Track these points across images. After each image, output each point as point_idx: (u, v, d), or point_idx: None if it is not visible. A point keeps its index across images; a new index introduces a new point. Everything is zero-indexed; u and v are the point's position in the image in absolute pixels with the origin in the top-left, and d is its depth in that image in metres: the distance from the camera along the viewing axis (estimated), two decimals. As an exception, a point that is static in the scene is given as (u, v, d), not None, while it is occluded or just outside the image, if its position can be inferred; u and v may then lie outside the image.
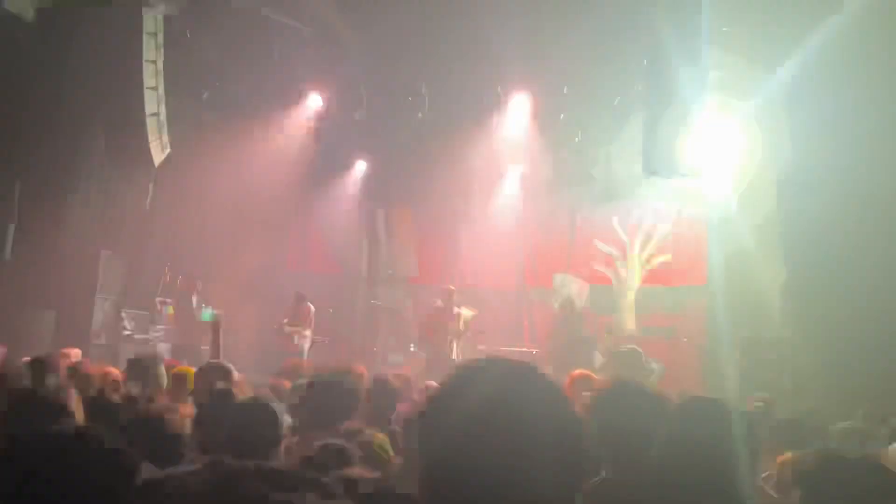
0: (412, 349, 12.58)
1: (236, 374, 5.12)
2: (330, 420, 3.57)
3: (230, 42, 11.47)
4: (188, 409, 4.33)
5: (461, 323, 11.67)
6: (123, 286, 11.82)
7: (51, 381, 4.96)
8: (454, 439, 1.29)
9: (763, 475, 4.44)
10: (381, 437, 3.61)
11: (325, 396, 3.73)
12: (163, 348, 11.49)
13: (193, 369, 5.70)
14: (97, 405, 3.54)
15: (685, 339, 10.93)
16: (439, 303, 11.75)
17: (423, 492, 1.33)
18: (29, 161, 10.77)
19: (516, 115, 12.79)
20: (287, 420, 3.63)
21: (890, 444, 5.25)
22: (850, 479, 2.50)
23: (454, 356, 11.53)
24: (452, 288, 11.83)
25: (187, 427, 3.32)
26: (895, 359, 9.20)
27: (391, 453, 3.59)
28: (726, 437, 2.18)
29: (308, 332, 12.05)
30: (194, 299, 12.23)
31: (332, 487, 0.91)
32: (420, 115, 12.60)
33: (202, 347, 11.41)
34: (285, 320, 12.00)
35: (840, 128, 9.61)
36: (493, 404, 1.30)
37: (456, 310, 11.68)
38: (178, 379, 5.45)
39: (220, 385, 4.14)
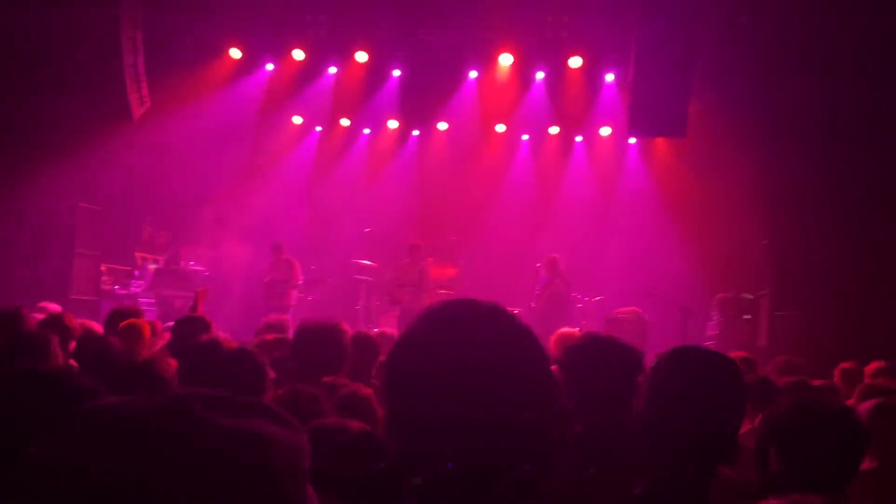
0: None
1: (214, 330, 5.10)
2: (316, 372, 3.54)
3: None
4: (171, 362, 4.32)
5: (426, 276, 11.71)
6: (103, 241, 11.69)
7: (21, 331, 4.91)
8: (419, 383, 1.26)
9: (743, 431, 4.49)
10: (365, 392, 3.60)
11: (312, 348, 3.70)
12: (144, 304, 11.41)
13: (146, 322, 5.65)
14: (80, 353, 3.50)
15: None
16: (406, 259, 11.80)
17: (390, 439, 1.30)
18: (4, 113, 10.56)
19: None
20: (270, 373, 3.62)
21: (862, 400, 5.33)
22: (823, 431, 2.51)
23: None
24: (417, 242, 11.83)
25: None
26: (873, 318, 9.34)
27: (375, 408, 3.59)
28: (717, 384, 2.17)
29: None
30: (181, 259, 12.12)
31: (289, 418, 0.88)
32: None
33: (181, 303, 11.35)
34: (268, 278, 11.94)
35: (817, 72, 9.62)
36: (458, 344, 1.27)
37: (423, 263, 11.71)
38: (132, 329, 5.38)
39: (202, 336, 4.10)
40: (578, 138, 14.17)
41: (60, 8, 9.96)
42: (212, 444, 0.80)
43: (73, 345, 4.94)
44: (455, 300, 1.37)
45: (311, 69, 12.96)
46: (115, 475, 0.77)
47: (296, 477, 0.86)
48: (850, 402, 5.39)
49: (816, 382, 5.59)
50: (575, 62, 12.16)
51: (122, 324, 5.57)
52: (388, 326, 11.22)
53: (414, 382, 1.27)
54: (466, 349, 1.26)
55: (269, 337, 5.57)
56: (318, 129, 14.46)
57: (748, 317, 11.14)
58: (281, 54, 12.75)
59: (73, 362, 4.33)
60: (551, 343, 6.22)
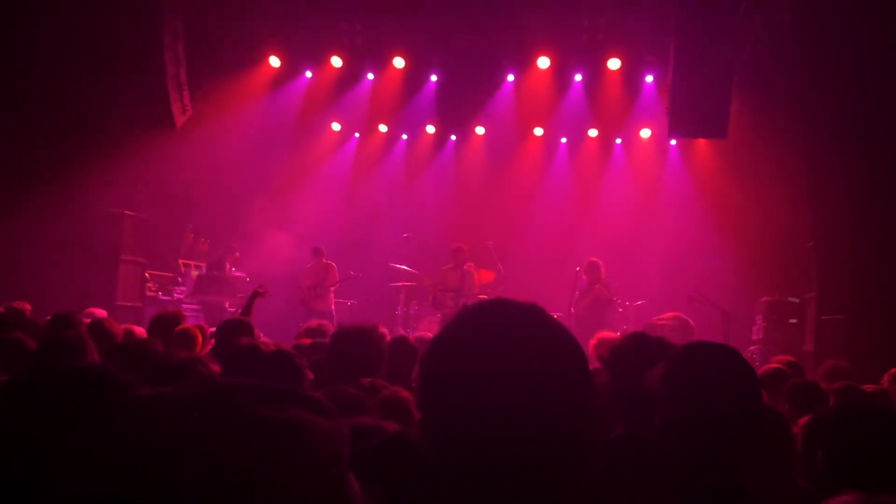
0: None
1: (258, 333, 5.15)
2: (353, 373, 3.55)
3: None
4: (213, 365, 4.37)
5: (469, 282, 11.69)
6: (147, 248, 11.92)
7: (70, 334, 5.03)
8: (454, 382, 1.24)
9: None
10: (405, 395, 3.59)
11: (349, 349, 3.71)
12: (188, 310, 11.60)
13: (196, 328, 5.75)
14: (119, 353, 3.56)
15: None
16: (450, 264, 11.80)
17: (424, 432, 1.29)
18: (51, 124, 10.84)
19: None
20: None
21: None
22: (873, 433, 2.43)
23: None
24: (460, 246, 11.83)
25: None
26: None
27: (413, 411, 3.58)
28: (726, 377, 2.12)
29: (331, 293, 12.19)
30: (228, 267, 12.29)
31: (328, 407, 0.87)
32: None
33: (229, 309, 11.51)
34: (308, 282, 12.06)
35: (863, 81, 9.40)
36: (493, 343, 1.24)
37: (466, 268, 11.70)
38: (185, 336, 5.47)
39: (242, 340, 4.14)
40: (618, 140, 14.05)
41: (104, 22, 10.20)
42: (253, 433, 0.81)
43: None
44: (490, 300, 1.34)
45: (349, 76, 13.07)
46: (157, 464, 0.78)
47: (337, 464, 0.86)
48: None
49: (868, 388, 5.45)
50: (613, 64, 12.06)
51: (177, 329, 5.66)
52: (427, 331, 11.25)
53: (448, 382, 1.25)
54: (502, 348, 1.24)
55: (307, 341, 5.62)
56: (357, 135, 14.56)
57: (794, 321, 10.91)
58: (319, 62, 12.88)
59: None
60: (591, 347, 6.16)
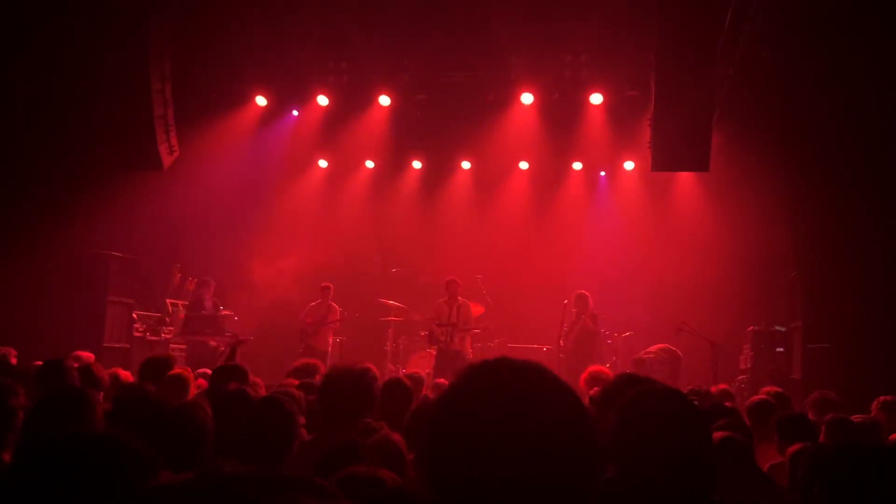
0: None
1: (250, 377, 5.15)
2: (345, 416, 3.56)
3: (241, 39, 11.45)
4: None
5: (464, 315, 11.70)
6: (134, 288, 11.88)
7: (65, 383, 5.00)
8: (464, 441, 1.29)
9: (773, 464, 4.43)
10: (396, 438, 3.60)
11: (342, 391, 3.72)
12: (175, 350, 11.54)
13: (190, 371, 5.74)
14: (120, 404, 3.56)
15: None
16: (444, 297, 11.83)
17: (436, 490, 1.32)
18: (37, 166, 10.85)
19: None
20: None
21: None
22: (871, 470, 2.48)
23: (463, 351, 11.60)
24: (454, 279, 11.85)
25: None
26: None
27: (405, 454, 3.59)
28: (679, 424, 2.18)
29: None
30: (208, 301, 12.25)
31: (331, 490, 0.91)
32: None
33: (215, 348, 11.45)
34: (309, 320, 12.08)
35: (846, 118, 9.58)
36: (502, 405, 1.29)
37: (460, 301, 11.73)
38: (177, 381, 5.45)
39: (231, 385, 4.14)
40: (602, 173, 14.21)
41: (91, 64, 10.28)
42: None
43: (101, 395, 5.01)
44: (495, 360, 1.39)
45: (335, 113, 13.17)
46: None
47: None
48: (894, 436, 5.29)
49: (856, 418, 5.50)
50: (596, 99, 12.24)
51: (168, 374, 5.64)
52: (416, 367, 11.23)
53: (458, 444, 1.29)
54: (511, 410, 1.29)
55: (295, 382, 5.61)
56: (344, 171, 14.65)
57: (781, 349, 10.98)
58: (305, 100, 12.99)
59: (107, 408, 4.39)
60: (581, 381, 6.19)
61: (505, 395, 1.31)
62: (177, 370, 5.82)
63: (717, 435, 3.54)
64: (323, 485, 0.93)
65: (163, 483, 0.90)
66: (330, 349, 12.12)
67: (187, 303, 12.69)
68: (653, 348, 11.08)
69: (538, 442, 1.27)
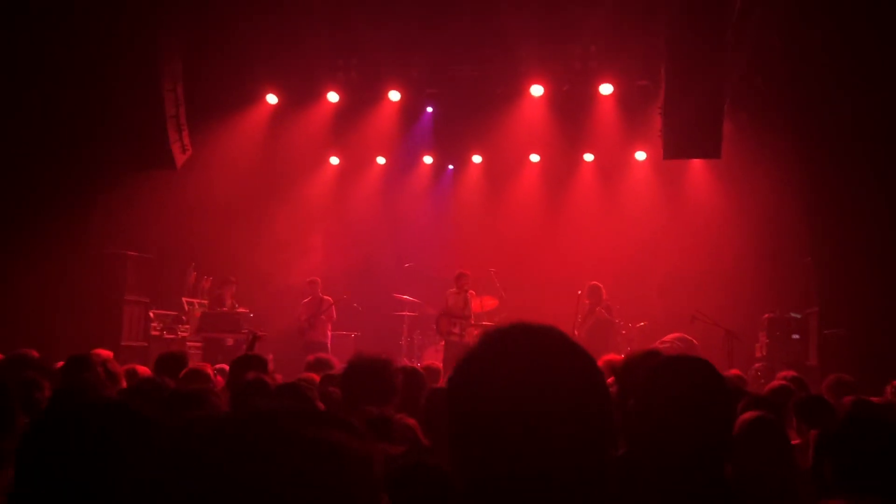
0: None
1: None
2: (364, 404, 3.60)
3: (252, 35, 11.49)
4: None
5: (470, 308, 11.76)
6: (150, 287, 11.98)
7: (87, 375, 5.08)
8: (483, 404, 1.29)
9: (795, 443, 4.42)
10: (411, 422, 3.64)
11: (362, 381, 3.76)
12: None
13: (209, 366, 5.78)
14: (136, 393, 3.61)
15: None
16: (453, 289, 11.87)
17: (454, 459, 1.33)
18: (51, 167, 10.95)
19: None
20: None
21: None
22: (879, 441, 2.48)
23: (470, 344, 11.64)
24: (464, 272, 11.90)
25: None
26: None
27: (421, 438, 3.62)
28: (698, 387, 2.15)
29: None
30: (228, 300, 12.36)
31: (363, 431, 0.94)
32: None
33: (228, 344, 11.54)
34: (304, 317, 12.16)
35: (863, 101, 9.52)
36: (520, 367, 1.29)
37: (467, 294, 11.78)
38: (196, 376, 5.49)
39: (249, 374, 4.19)
40: (613, 163, 14.18)
41: (103, 66, 10.36)
42: (298, 454, 0.86)
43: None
44: (511, 324, 1.38)
45: (346, 110, 13.21)
46: (207, 487, 0.84)
47: (373, 487, 0.92)
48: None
49: (872, 400, 5.48)
50: (606, 89, 12.21)
51: (185, 370, 5.69)
52: (431, 361, 11.27)
53: (477, 407, 1.30)
54: (529, 371, 1.29)
55: (315, 376, 5.66)
56: (355, 167, 14.69)
57: (797, 336, 10.94)
58: (316, 97, 13.04)
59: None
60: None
61: (521, 359, 1.31)
62: (194, 364, 5.87)
63: (749, 415, 3.52)
64: (355, 425, 0.96)
65: (202, 416, 0.92)
66: (328, 340, 12.11)
67: (206, 301, 12.80)
68: (668, 337, 11.06)
69: (555, 405, 1.28)
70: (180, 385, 5.36)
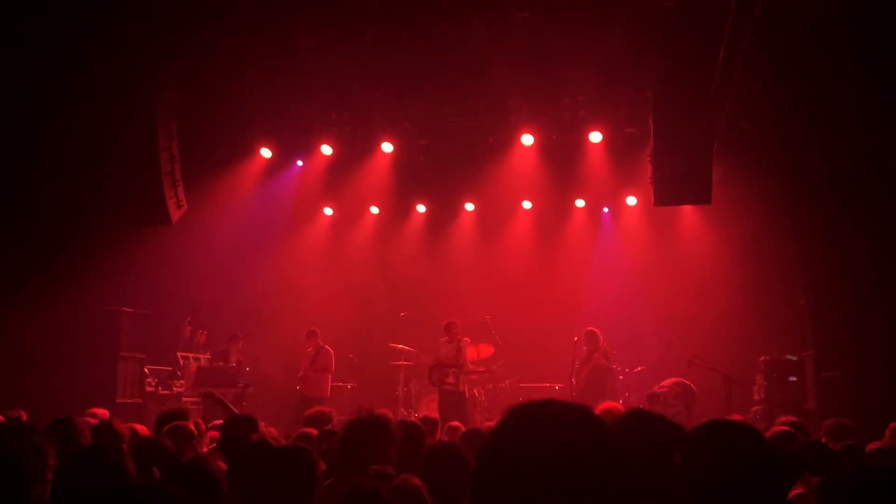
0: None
1: (262, 425, 5.19)
2: (364, 462, 3.60)
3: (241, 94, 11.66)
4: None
5: (464, 356, 11.74)
6: (145, 343, 11.93)
7: (77, 441, 5.04)
8: (513, 484, 1.35)
9: (798, 494, 4.41)
10: (415, 481, 3.62)
11: (363, 439, 3.76)
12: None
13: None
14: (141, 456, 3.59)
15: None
16: (444, 338, 11.86)
17: None
18: (46, 222, 10.99)
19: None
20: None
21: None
22: (886, 495, 2.49)
23: (466, 392, 11.63)
24: (453, 321, 11.90)
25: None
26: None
27: (426, 496, 3.61)
28: (751, 459, 2.18)
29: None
30: (234, 356, 12.31)
31: None
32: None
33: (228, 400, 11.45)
34: (303, 371, 12.11)
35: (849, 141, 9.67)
36: (548, 447, 1.36)
37: (463, 342, 11.77)
38: (180, 431, 5.46)
39: (252, 436, 4.18)
40: (605, 210, 14.31)
41: (100, 123, 10.47)
42: None
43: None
44: (539, 402, 1.45)
45: (340, 162, 13.35)
46: None
47: None
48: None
49: (872, 445, 5.49)
50: (595, 137, 12.38)
51: (167, 427, 5.66)
52: (428, 410, 11.20)
53: (507, 485, 1.35)
54: (557, 451, 1.35)
55: (313, 431, 5.64)
56: (349, 217, 14.79)
57: (794, 378, 10.94)
58: (309, 150, 13.18)
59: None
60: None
61: (551, 436, 1.37)
62: (178, 422, 5.82)
63: None
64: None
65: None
66: (327, 395, 11.93)
67: (201, 355, 12.74)
68: (666, 382, 11.05)
69: (580, 484, 1.34)
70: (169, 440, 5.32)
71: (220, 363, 12.13)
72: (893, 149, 9.59)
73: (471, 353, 12.30)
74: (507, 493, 1.35)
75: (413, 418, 8.69)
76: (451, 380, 11.62)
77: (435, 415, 8.44)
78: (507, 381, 12.77)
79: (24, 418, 7.78)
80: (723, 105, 10.42)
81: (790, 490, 4.02)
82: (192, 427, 5.77)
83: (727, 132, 10.98)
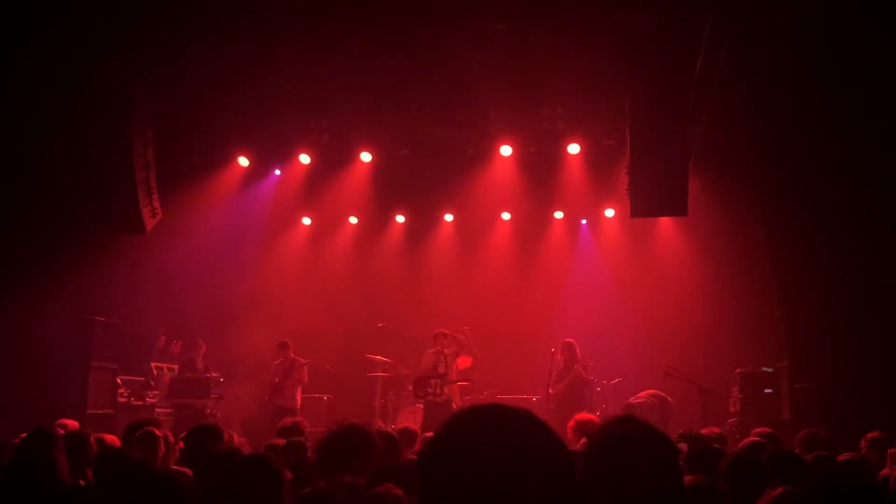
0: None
1: (229, 435, 5.12)
2: (342, 472, 3.55)
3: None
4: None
5: (451, 367, 11.70)
6: (118, 352, 11.76)
7: (46, 451, 4.94)
8: (451, 484, 1.33)
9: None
10: (397, 491, 3.57)
11: (343, 447, 3.72)
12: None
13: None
14: (103, 468, 3.52)
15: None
16: (431, 349, 11.82)
17: None
18: (17, 229, 10.83)
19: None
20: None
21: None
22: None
23: (452, 403, 11.55)
24: (440, 332, 11.86)
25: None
26: None
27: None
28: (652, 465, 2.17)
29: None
30: (199, 363, 12.20)
31: None
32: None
33: (198, 408, 11.34)
34: (276, 379, 12.01)
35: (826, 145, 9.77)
36: (488, 450, 1.34)
37: (447, 353, 11.73)
38: (147, 438, 5.38)
39: (217, 446, 4.12)
40: (583, 221, 14.36)
41: (74, 130, 10.35)
42: None
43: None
44: (483, 406, 1.43)
45: (318, 171, 13.30)
46: None
47: None
48: (886, 471, 5.30)
49: (845, 455, 5.51)
50: (573, 149, 12.44)
51: (138, 433, 5.57)
52: (405, 422, 11.13)
53: (447, 487, 1.34)
54: (500, 454, 1.33)
55: (281, 441, 5.57)
56: (328, 227, 14.72)
57: (769, 390, 10.99)
58: (287, 159, 13.12)
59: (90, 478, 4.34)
60: (569, 429, 6.17)
61: (490, 437, 1.35)
62: (148, 428, 5.72)
63: (689, 480, 3.51)
64: None
65: None
66: (298, 406, 11.88)
67: (177, 365, 12.59)
68: (642, 394, 11.07)
69: (522, 484, 1.32)
70: (136, 449, 5.24)
71: (189, 374, 12.00)
72: (867, 163, 9.70)
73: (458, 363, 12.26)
74: (448, 496, 1.33)
75: (390, 430, 8.62)
76: (437, 391, 11.54)
77: (414, 427, 8.40)
78: (485, 393, 12.72)
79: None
80: (700, 118, 10.52)
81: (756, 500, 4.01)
82: (161, 436, 5.68)
83: (704, 145, 11.08)
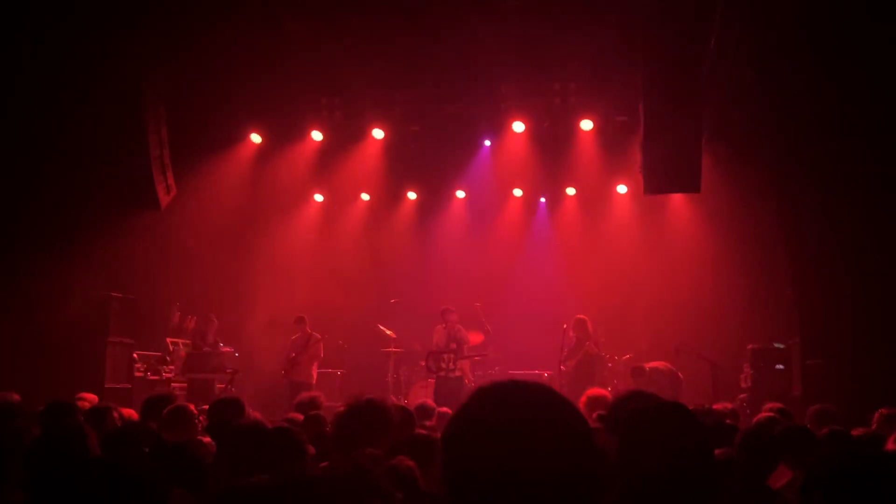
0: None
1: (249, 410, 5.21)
2: (360, 445, 3.62)
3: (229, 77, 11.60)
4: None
5: (463, 342, 11.80)
6: (134, 328, 11.90)
7: (68, 423, 5.04)
8: (477, 461, 1.36)
9: (784, 482, 4.46)
10: (410, 463, 3.65)
11: (361, 421, 3.79)
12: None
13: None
14: (117, 439, 3.61)
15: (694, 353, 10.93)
16: (441, 325, 11.90)
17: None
18: (34, 207, 10.93)
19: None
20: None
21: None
22: (872, 478, 2.52)
23: (464, 379, 11.66)
24: (448, 308, 11.93)
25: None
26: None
27: (419, 479, 3.63)
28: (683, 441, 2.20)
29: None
30: (210, 337, 12.32)
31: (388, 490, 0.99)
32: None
33: (217, 385, 11.47)
34: (293, 354, 12.10)
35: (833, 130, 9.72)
36: (512, 424, 1.37)
37: (457, 328, 11.82)
38: (178, 414, 5.46)
39: (241, 419, 4.20)
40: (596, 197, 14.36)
41: (88, 107, 10.40)
42: None
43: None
44: (503, 382, 1.46)
45: (330, 148, 13.32)
46: None
47: None
48: (891, 445, 5.34)
49: (857, 431, 5.55)
50: (586, 125, 12.40)
51: (168, 409, 5.66)
52: (417, 397, 11.24)
53: (472, 462, 1.37)
54: (522, 428, 1.37)
55: (300, 416, 5.66)
56: (340, 204, 14.76)
57: (781, 367, 11.02)
58: (300, 136, 13.14)
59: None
60: (581, 404, 6.23)
61: (514, 414, 1.38)
62: (176, 404, 5.83)
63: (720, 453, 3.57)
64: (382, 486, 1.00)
65: (242, 483, 0.96)
66: (313, 381, 11.95)
67: (189, 341, 12.72)
68: (651, 364, 11.12)
69: (546, 460, 1.35)
70: (163, 426, 5.34)
71: (205, 348, 12.13)
72: (883, 139, 9.65)
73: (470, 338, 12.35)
74: (472, 472, 1.36)
75: (403, 404, 8.72)
76: (450, 366, 11.65)
77: (431, 403, 8.50)
78: (497, 368, 12.82)
79: (18, 400, 7.79)
80: (713, 94, 10.45)
81: (769, 475, 4.06)
82: (192, 409, 5.77)
83: (717, 121, 11.02)
